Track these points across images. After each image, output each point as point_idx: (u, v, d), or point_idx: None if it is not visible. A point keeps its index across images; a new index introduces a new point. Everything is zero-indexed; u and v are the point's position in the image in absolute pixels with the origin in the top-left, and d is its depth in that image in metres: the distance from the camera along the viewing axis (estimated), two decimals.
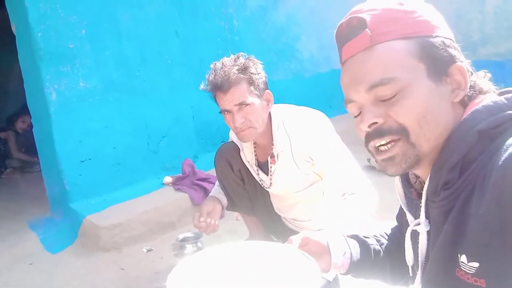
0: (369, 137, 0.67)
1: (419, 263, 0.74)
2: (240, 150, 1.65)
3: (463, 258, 0.59)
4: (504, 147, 0.56)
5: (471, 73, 0.67)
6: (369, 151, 0.69)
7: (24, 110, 4.02)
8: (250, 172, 1.67)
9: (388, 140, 0.65)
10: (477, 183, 0.59)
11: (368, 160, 3.16)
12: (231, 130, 1.65)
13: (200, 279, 0.79)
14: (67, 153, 2.48)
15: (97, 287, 1.93)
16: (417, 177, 0.76)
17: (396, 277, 0.91)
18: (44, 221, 2.73)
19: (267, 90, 1.46)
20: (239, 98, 1.37)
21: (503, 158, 0.54)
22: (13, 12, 2.57)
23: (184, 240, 1.75)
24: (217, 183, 1.78)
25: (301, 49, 4.08)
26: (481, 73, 0.69)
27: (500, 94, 0.66)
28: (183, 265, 0.82)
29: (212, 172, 2.28)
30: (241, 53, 1.44)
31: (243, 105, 1.37)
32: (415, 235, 0.76)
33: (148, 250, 2.23)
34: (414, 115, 0.62)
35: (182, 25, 3.05)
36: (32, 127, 2.78)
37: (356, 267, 0.90)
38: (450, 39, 0.66)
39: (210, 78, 1.39)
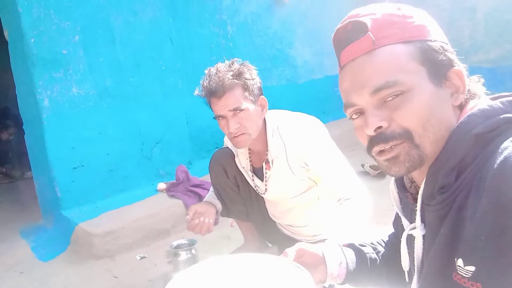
0: (373, 142, 0.66)
1: (415, 267, 0.73)
2: (235, 156, 1.65)
3: (459, 262, 0.59)
4: (499, 150, 0.56)
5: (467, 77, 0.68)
6: (371, 155, 0.69)
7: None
8: (245, 178, 1.67)
9: (391, 145, 0.64)
10: (472, 186, 0.59)
11: (362, 165, 3.18)
12: (226, 136, 1.65)
13: None
14: (60, 160, 2.45)
15: None
16: (412, 181, 0.76)
17: (394, 284, 0.90)
18: (36, 228, 2.68)
19: (262, 96, 1.45)
20: (234, 103, 1.36)
21: (498, 161, 0.54)
22: (5, 17, 2.55)
23: (178, 247, 1.72)
24: (211, 189, 1.77)
25: (295, 55, 4.11)
26: (475, 77, 0.70)
27: (494, 99, 0.66)
28: (177, 279, 0.81)
29: (206, 178, 2.27)
30: (236, 59, 1.44)
31: (238, 111, 1.37)
32: (410, 239, 0.76)
33: (141, 258, 2.21)
34: (418, 117, 0.62)
35: (176, 31, 3.06)
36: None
37: (352, 277, 0.90)
38: (447, 44, 0.67)
39: (205, 84, 1.39)
